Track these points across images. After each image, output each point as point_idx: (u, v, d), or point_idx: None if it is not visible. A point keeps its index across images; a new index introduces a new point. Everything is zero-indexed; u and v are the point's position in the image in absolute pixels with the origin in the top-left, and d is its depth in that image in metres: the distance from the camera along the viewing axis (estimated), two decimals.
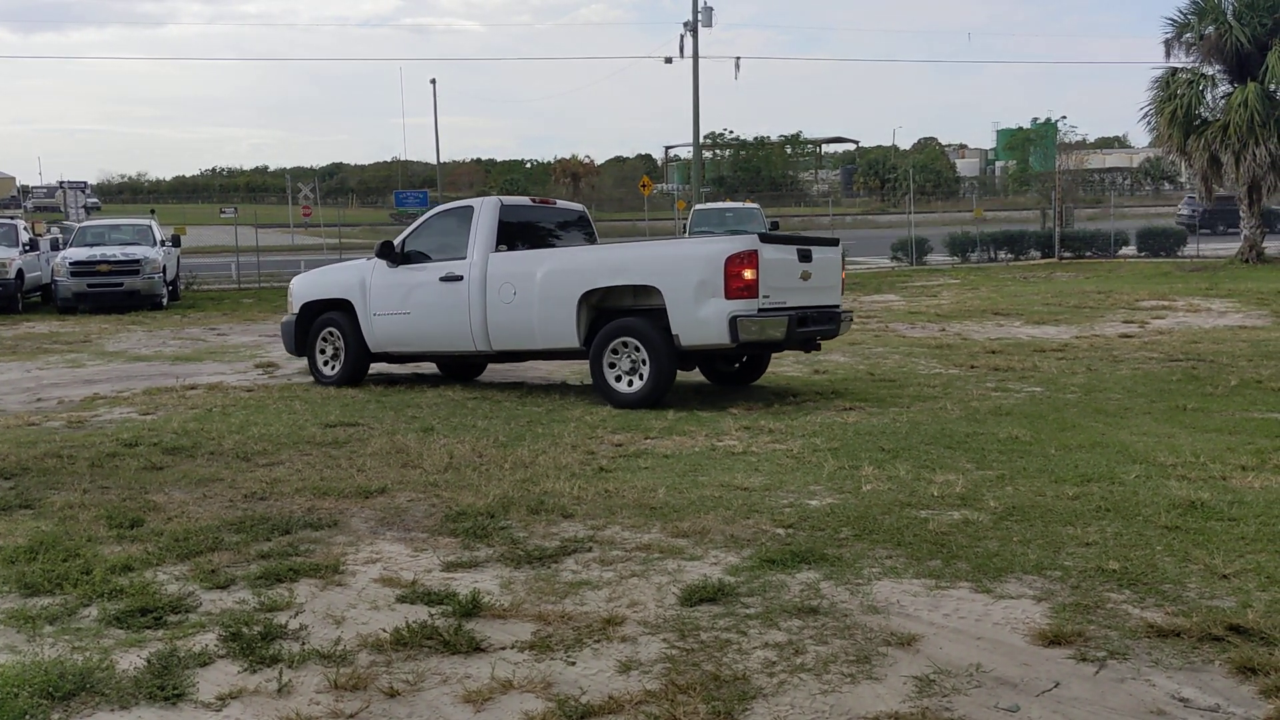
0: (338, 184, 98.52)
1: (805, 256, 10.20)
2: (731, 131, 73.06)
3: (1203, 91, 27.79)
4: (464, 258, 10.93)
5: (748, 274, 9.52)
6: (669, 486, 6.84)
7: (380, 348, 11.63)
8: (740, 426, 8.80)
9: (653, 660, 4.27)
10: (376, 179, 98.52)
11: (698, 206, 27.97)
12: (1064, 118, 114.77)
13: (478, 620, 4.69)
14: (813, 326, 10.16)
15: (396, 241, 11.53)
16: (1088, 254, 35.12)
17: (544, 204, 12.43)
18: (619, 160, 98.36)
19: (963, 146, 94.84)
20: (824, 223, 42.52)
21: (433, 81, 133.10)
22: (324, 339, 11.91)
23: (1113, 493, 6.42)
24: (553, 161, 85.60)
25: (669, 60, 41.24)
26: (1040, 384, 10.93)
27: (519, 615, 4.75)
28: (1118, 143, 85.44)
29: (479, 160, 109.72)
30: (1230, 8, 26.29)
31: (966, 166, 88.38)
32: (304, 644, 4.43)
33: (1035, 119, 76.23)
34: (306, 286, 12.36)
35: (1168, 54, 28.10)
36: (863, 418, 9.07)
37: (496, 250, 10.87)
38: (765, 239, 9.90)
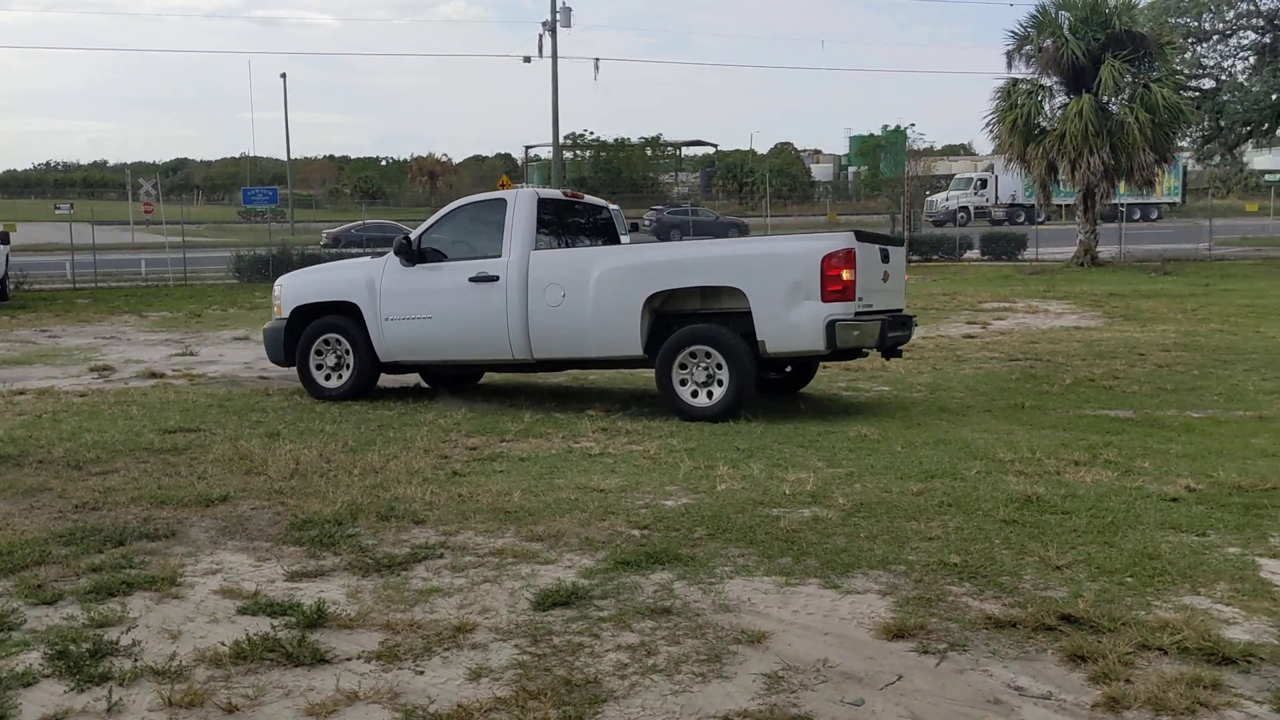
0: (182, 180, 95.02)
1: (885, 256, 9.58)
2: (592, 132, 73.29)
3: (1041, 102, 29.00)
4: (498, 256, 9.85)
5: (846, 274, 8.84)
6: (524, 490, 6.77)
7: (392, 357, 10.41)
8: (597, 428, 8.79)
9: (504, 666, 4.21)
10: (224, 175, 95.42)
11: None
12: (912, 125, 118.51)
13: (323, 631, 4.55)
14: (895, 332, 9.55)
15: (409, 237, 10.33)
16: (934, 257, 36.35)
17: (574, 198, 11.31)
18: (478, 159, 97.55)
19: (817, 152, 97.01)
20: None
21: (283, 76, 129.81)
22: (322, 347, 10.59)
23: (955, 488, 6.63)
24: (409, 159, 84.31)
25: (528, 59, 41.08)
26: (888, 384, 11.23)
27: (366, 625, 4.63)
28: (963, 150, 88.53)
29: (332, 157, 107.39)
30: (1067, 22, 27.51)
31: (821, 171, 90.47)
32: (136, 660, 4.22)
33: (886, 126, 78.49)
34: (299, 287, 10.96)
35: (1009, 65, 29.28)
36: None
37: (536, 248, 9.88)
38: (859, 236, 9.23)
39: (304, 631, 4.50)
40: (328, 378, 10.59)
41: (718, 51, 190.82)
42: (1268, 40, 33.21)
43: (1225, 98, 33.08)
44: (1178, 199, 57.63)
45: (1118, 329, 15.68)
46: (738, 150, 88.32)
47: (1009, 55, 29.15)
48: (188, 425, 9.08)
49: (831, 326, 8.78)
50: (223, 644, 4.38)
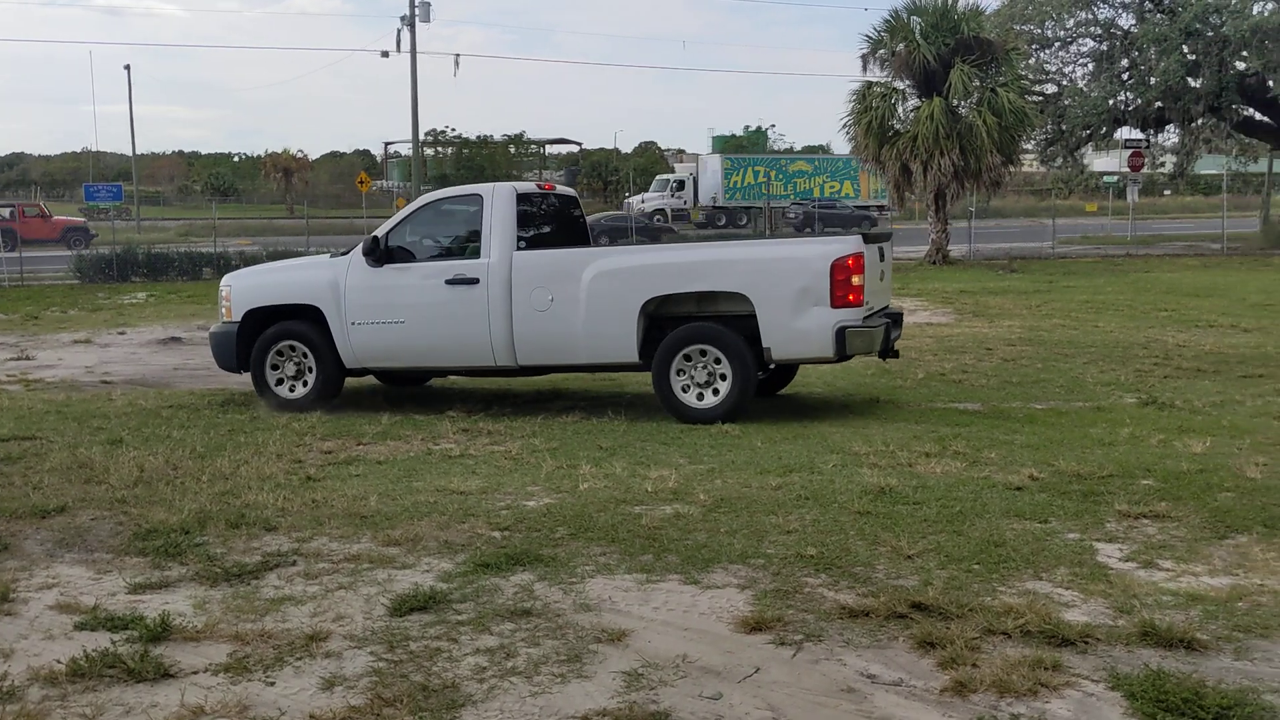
0: (18, 175, 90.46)
1: (881, 254, 9.32)
2: (454, 129, 72.41)
3: (895, 105, 29.79)
4: (478, 256, 9.30)
5: (856, 279, 8.57)
6: (381, 493, 6.64)
7: (360, 363, 9.73)
8: (458, 429, 8.67)
9: (359, 674, 4.12)
10: (64, 171, 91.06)
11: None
12: (773, 126, 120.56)
13: (168, 644, 4.38)
14: (894, 332, 9.35)
15: (377, 235, 9.61)
16: None
17: (548, 190, 10.72)
18: (335, 156, 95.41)
19: (681, 151, 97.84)
20: None
21: (126, 67, 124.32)
22: (279, 354, 9.82)
23: (812, 482, 6.75)
24: (263, 155, 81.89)
25: (386, 55, 40.56)
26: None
27: (214, 636, 4.48)
28: (822, 150, 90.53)
29: (181, 152, 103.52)
30: (918, 27, 28.32)
31: (684, 170, 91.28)
32: None
33: (747, 126, 79.80)
34: (251, 289, 10.13)
35: (864, 68, 29.99)
36: (581, 417, 9.14)
37: (519, 247, 9.34)
38: (865, 238, 8.96)
39: (147, 646, 4.33)
40: (288, 387, 9.84)
41: (581, 49, 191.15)
42: (1104, 48, 34.84)
43: (1066, 102, 34.55)
44: (885, 201, 56.50)
45: (967, 325, 16.24)
46: (602, 149, 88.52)
47: (864, 59, 29.88)
48: (22, 433, 8.62)
49: (841, 333, 8.56)
50: (59, 661, 4.18)
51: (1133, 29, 33.92)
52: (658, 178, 60.20)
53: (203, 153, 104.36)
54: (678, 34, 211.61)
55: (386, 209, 40.88)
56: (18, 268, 27.52)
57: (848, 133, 30.62)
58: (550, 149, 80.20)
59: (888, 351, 9.27)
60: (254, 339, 9.87)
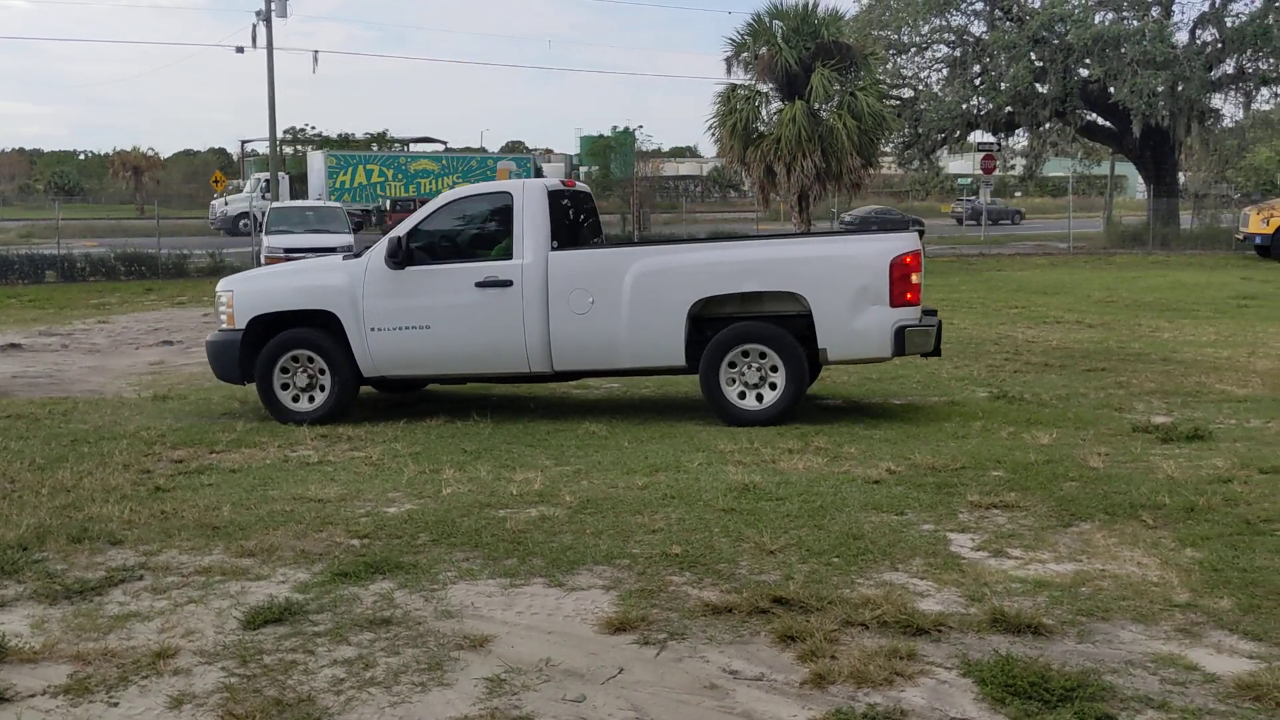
0: None
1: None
2: (314, 127, 70.82)
3: (759, 107, 30.20)
4: (510, 257, 8.88)
5: (915, 277, 8.39)
6: (235, 503, 6.42)
7: (380, 371, 9.15)
8: (317, 435, 8.45)
9: (209, 691, 3.97)
10: None
11: (275, 204, 26.76)
12: (640, 127, 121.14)
13: (2, 667, 4.16)
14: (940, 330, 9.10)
15: (399, 236, 9.04)
16: None
17: (569, 186, 10.17)
18: (188, 154, 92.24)
19: (549, 151, 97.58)
20: None
21: None
22: (289, 364, 9.14)
23: (678, 480, 6.79)
24: (111, 153, 78.61)
25: (241, 50, 39.16)
26: (618, 381, 11.39)
27: (53, 656, 4.26)
28: (690, 152, 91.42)
29: (23, 150, 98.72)
30: (780, 31, 28.79)
31: (552, 170, 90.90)
32: None
33: (615, 127, 79.91)
34: (256, 294, 9.42)
35: (729, 71, 30.31)
36: (445, 420, 9.00)
37: (554, 248, 8.92)
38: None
39: None
40: (296, 399, 9.18)
41: (446, 47, 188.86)
42: (958, 54, 36.08)
43: (922, 107, 35.68)
44: None
45: None
46: (468, 147, 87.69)
47: (728, 61, 30.21)
48: None
49: (901, 333, 8.41)
50: None
51: (984, 36, 35.24)
52: (252, 176, 54.90)
53: (45, 150, 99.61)
54: (544, 33, 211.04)
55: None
56: None
57: (713, 134, 30.93)
58: (414, 147, 79.10)
59: (936, 350, 9.03)
60: (259, 348, 9.19)
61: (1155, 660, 4.09)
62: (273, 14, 36.48)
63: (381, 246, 9.05)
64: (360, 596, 4.89)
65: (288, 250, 21.71)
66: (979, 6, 35.67)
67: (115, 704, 3.88)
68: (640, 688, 3.98)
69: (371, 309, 8.99)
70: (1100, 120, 36.03)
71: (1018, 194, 69.77)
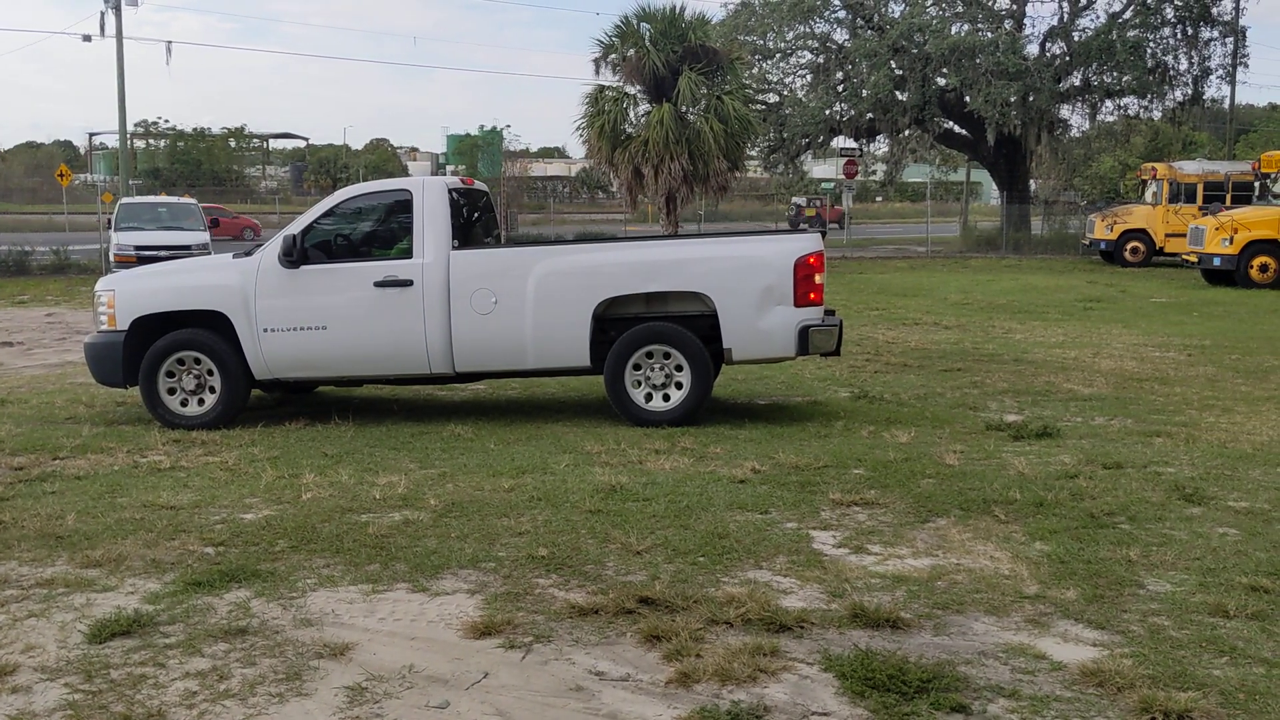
0: None
1: None
2: (168, 121, 68.48)
3: (627, 109, 30.31)
4: (410, 256, 8.66)
5: (818, 277, 8.45)
6: (80, 511, 6.13)
7: (274, 373, 8.79)
8: (169, 440, 8.14)
9: (50, 709, 3.79)
10: None
11: (125, 200, 25.70)
12: (508, 126, 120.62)
13: None
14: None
15: (293, 234, 8.67)
16: None
17: (468, 185, 9.94)
18: (31, 146, 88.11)
19: (414, 149, 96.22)
20: (274, 220, 41.06)
21: None
22: (175, 367, 8.74)
23: (545, 482, 6.75)
24: None
25: (88, 38, 37.64)
26: (484, 383, 11.29)
27: None
28: (558, 153, 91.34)
29: None
30: (648, 34, 28.95)
31: (419, 169, 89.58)
32: None
33: (483, 126, 79.34)
34: (139, 294, 8.95)
35: (597, 72, 30.34)
36: (305, 423, 8.78)
37: (455, 247, 8.70)
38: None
39: None
40: (184, 403, 8.79)
41: (307, 42, 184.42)
42: (821, 60, 36.88)
43: (787, 111, 36.33)
44: None
45: None
46: (331, 145, 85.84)
47: (596, 63, 30.25)
48: None
49: (805, 332, 8.47)
50: None
51: (846, 44, 36.08)
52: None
53: None
54: (410, 30, 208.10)
55: (90, 204, 38.01)
56: None
57: (581, 135, 30.93)
58: (274, 144, 77.04)
59: (837, 350, 9.10)
60: (143, 350, 8.78)
61: (1006, 650, 4.23)
62: (122, 2, 35.05)
63: (275, 245, 8.76)
64: (215, 606, 4.72)
65: (139, 248, 20.90)
66: (841, 15, 36.52)
67: None
68: (505, 692, 3.93)
69: (265, 309, 8.70)
70: (957, 128, 37.29)
71: (879, 198, 71.70)
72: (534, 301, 8.59)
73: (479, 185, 10.52)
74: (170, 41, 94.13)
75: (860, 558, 5.36)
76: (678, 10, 28.79)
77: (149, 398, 8.82)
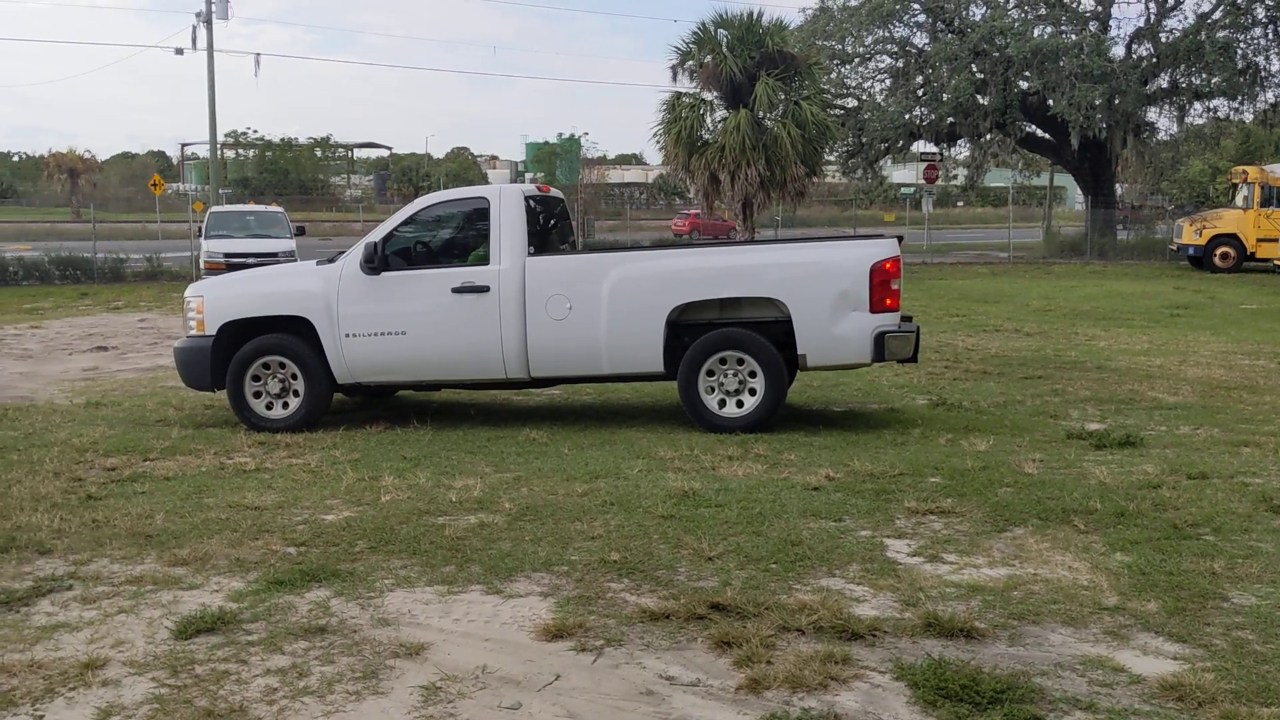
0: None
1: None
2: (256, 131, 70.13)
3: (703, 115, 30.35)
4: (486, 262, 8.80)
5: (894, 284, 8.43)
6: (169, 511, 6.32)
7: (355, 378, 8.97)
8: (254, 442, 8.34)
9: (138, 702, 3.91)
10: None
11: (214, 209, 26.40)
12: (586, 134, 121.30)
13: None
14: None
15: (375, 241, 8.90)
16: None
17: (545, 192, 10.06)
18: (127, 156, 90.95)
19: (494, 157, 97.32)
20: (356, 228, 41.84)
21: None
22: (261, 371, 8.96)
23: (618, 487, 6.79)
24: (46, 155, 77.17)
25: (180, 51, 38.64)
26: (560, 389, 11.37)
27: None
28: (635, 160, 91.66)
29: None
30: (725, 40, 28.96)
31: (498, 177, 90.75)
32: None
33: (561, 134, 79.98)
34: (226, 300, 9.21)
35: (674, 78, 30.44)
36: (385, 426, 8.93)
37: (531, 253, 8.84)
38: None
39: None
40: (269, 406, 9.00)
41: (390, 52, 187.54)
42: (901, 65, 36.55)
43: (866, 116, 36.04)
44: None
45: None
46: (414, 153, 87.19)
47: (674, 69, 30.34)
48: None
49: (881, 338, 8.42)
50: None
51: (926, 48, 35.70)
52: None
53: None
54: (489, 39, 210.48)
55: (183, 213, 39.13)
56: None
57: (658, 142, 31.03)
58: (359, 153, 78.46)
59: (914, 356, 8.98)
60: (230, 354, 9.02)
61: (1084, 662, 4.17)
62: (213, 16, 36.03)
63: (357, 252, 8.95)
64: (295, 605, 4.84)
65: (228, 255, 21.43)
66: (921, 19, 36.15)
67: (41, 716, 3.81)
68: (577, 694, 3.97)
69: (346, 315, 8.88)
70: (1040, 132, 36.67)
71: (959, 203, 70.76)
72: (608, 307, 8.64)
73: (555, 192, 10.60)
74: (259, 54, 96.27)
75: (935, 566, 5.31)
76: (755, 16, 28.74)
77: (235, 401, 9.03)
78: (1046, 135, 36.40)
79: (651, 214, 64.89)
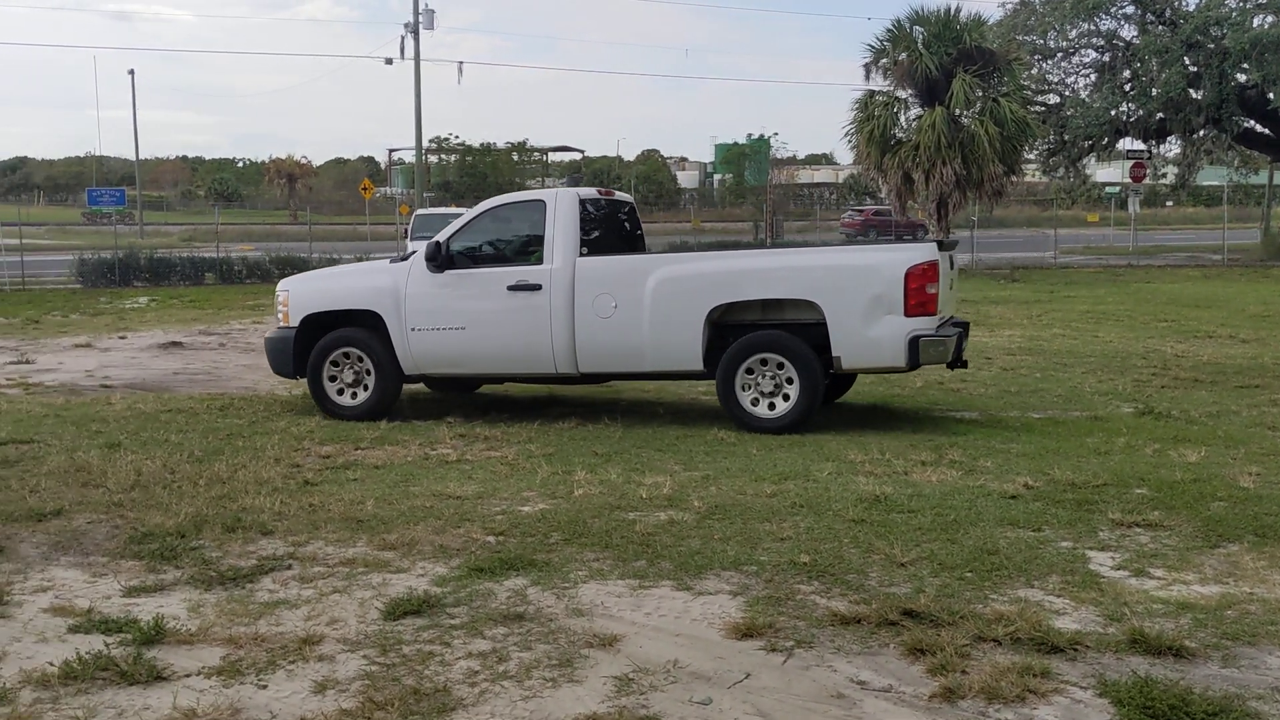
0: (21, 179, 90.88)
1: (951, 263, 9.19)
2: (457, 136, 72.50)
3: (897, 113, 29.81)
4: (540, 262, 9.24)
5: (930, 288, 8.48)
6: (378, 498, 6.66)
7: (420, 369, 9.58)
8: (455, 434, 8.69)
9: (350, 678, 4.14)
10: (67, 175, 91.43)
11: (419, 211, 27.53)
12: (776, 134, 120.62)
13: (161, 648, 4.40)
14: (963, 342, 9.21)
15: (440, 240, 9.45)
16: None
17: (607, 195, 10.48)
18: (339, 162, 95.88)
19: (683, 159, 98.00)
20: None
21: (131, 72, 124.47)
22: (339, 360, 9.61)
23: (807, 489, 6.77)
24: (267, 161, 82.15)
25: (389, 61, 40.53)
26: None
27: (207, 639, 4.50)
28: (825, 159, 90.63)
29: (185, 158, 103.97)
30: (920, 37, 28.36)
31: (687, 178, 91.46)
32: None
33: (750, 135, 79.75)
34: (309, 294, 9.92)
35: (867, 77, 30.00)
36: (577, 423, 9.16)
37: (581, 253, 9.24)
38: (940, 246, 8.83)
39: (140, 649, 4.34)
40: (342, 392, 9.62)
41: (583, 57, 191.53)
42: (1106, 59, 34.91)
43: (1068, 113, 34.59)
44: None
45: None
46: (605, 156, 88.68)
47: (867, 68, 29.90)
48: (20, 436, 8.64)
49: (915, 342, 8.46)
50: (51, 664, 4.20)
51: (1134, 40, 33.98)
52: None
53: (206, 158, 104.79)
54: (681, 42, 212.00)
55: (390, 215, 40.99)
56: (19, 271, 27.58)
57: (850, 141, 30.63)
58: (553, 156, 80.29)
59: (957, 362, 9.09)
60: (312, 344, 9.71)
61: None
62: (420, 27, 37.58)
63: (424, 250, 9.43)
64: (495, 592, 5.02)
65: None
66: (1129, 10, 34.42)
67: (264, 686, 4.07)
68: (767, 693, 4.00)
69: (413, 310, 9.40)
70: (1258, 127, 34.36)
71: (1169, 203, 67.10)
72: (650, 306, 8.91)
73: (621, 195, 10.87)
74: (462, 61, 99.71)
75: (1141, 581, 5.09)
76: (952, 12, 28.06)
77: (315, 388, 9.67)
78: (1266, 130, 34.09)
79: (840, 214, 64.07)
